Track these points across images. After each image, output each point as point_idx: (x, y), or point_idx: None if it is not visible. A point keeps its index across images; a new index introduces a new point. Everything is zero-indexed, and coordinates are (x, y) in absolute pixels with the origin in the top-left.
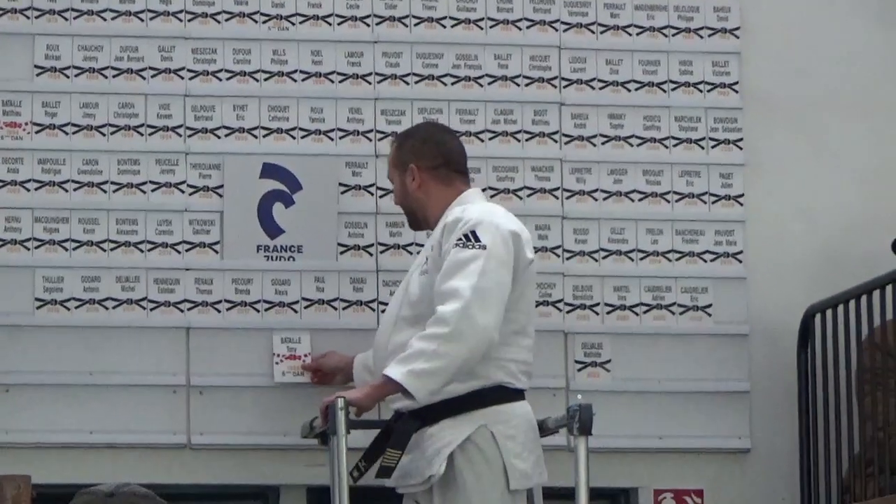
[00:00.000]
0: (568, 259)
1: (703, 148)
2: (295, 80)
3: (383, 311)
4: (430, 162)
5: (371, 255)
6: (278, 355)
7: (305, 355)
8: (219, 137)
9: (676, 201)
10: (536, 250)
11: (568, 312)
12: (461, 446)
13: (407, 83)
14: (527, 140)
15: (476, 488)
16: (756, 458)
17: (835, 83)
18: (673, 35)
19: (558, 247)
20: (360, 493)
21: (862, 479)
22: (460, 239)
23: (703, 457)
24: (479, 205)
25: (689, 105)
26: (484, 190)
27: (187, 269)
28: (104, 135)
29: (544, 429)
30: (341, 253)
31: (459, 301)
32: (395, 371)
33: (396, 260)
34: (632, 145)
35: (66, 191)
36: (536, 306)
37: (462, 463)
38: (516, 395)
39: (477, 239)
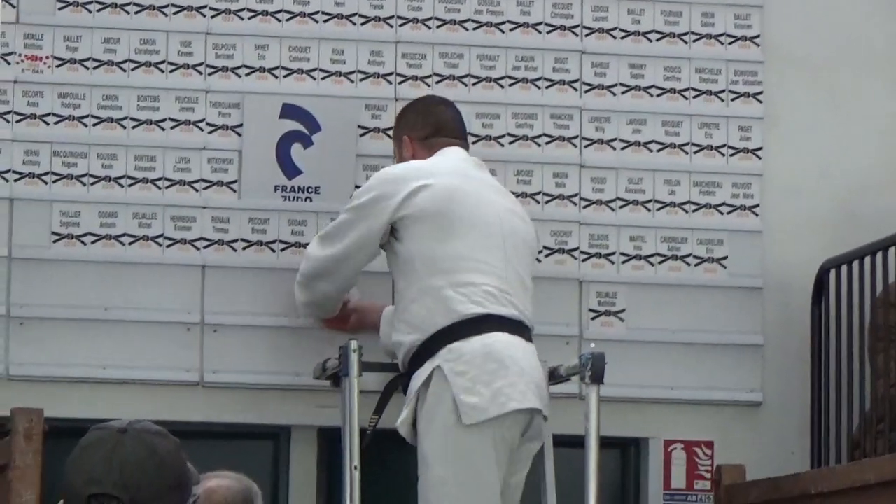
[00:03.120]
0: (585, 207)
1: (722, 100)
2: (317, 21)
3: None
4: (422, 132)
5: None
6: None
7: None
8: (239, 77)
9: (694, 153)
10: (553, 198)
11: (583, 261)
12: (419, 391)
13: (428, 27)
14: (547, 87)
15: (427, 429)
16: (767, 411)
17: (856, 39)
18: None
19: (575, 195)
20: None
21: (872, 435)
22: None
23: (715, 409)
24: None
25: (709, 57)
26: (502, 136)
27: (204, 208)
28: (125, 71)
29: (556, 376)
30: None
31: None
32: None
33: None
34: (651, 95)
35: (86, 126)
36: (551, 254)
37: (420, 407)
38: (473, 328)
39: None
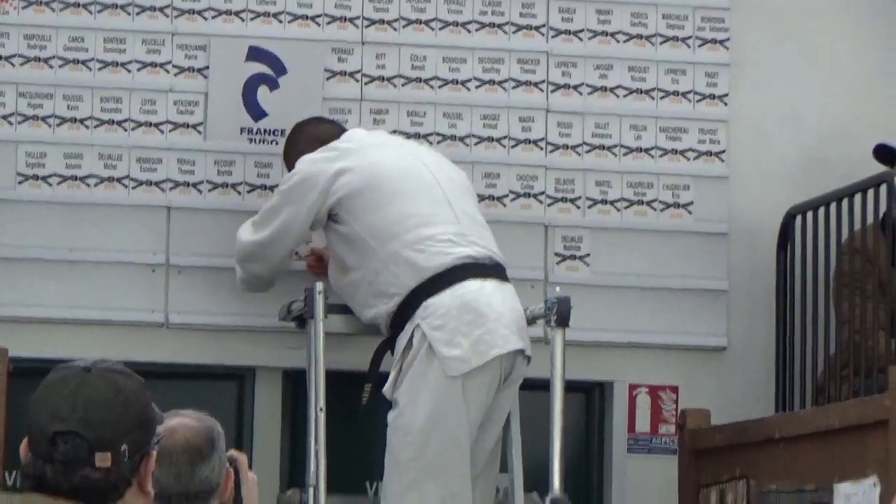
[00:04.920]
0: (551, 152)
1: (689, 46)
2: None
3: None
4: (310, 147)
5: None
6: None
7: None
8: (205, 19)
9: (661, 98)
10: (519, 142)
11: (549, 205)
12: (402, 353)
13: None
14: (513, 32)
15: (404, 379)
16: (732, 356)
17: None
18: None
19: (541, 139)
20: (335, 377)
21: (837, 380)
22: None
23: (680, 353)
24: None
25: (676, 3)
26: (469, 81)
27: (170, 149)
28: (91, 12)
29: None
30: None
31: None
32: None
33: None
34: (618, 41)
35: (52, 67)
36: (517, 198)
37: (404, 367)
38: (443, 281)
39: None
